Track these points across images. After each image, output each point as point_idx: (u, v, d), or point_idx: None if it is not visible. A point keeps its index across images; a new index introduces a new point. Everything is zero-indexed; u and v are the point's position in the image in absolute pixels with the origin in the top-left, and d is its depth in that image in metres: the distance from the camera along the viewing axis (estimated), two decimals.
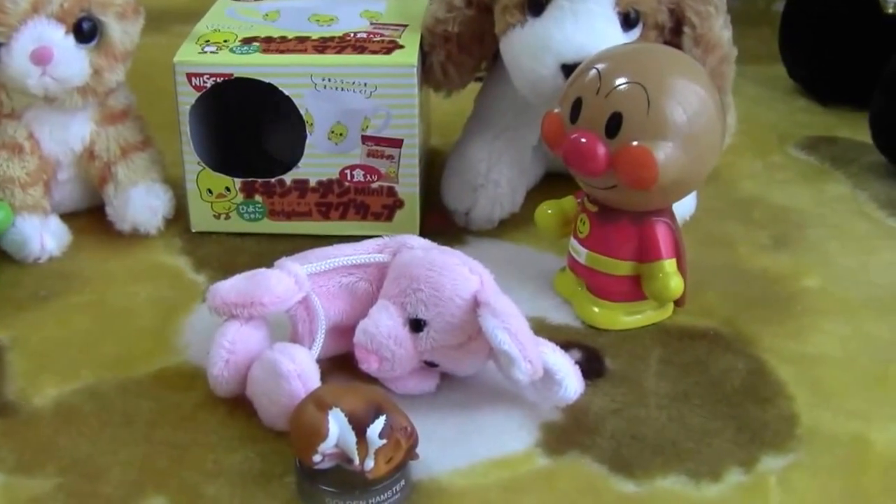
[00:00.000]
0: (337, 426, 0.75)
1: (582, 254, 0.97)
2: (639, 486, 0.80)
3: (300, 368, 0.81)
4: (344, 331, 0.89)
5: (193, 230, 1.11)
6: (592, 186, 0.94)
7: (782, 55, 1.45)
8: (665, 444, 0.83)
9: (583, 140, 0.90)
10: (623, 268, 0.95)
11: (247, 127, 1.17)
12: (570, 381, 0.84)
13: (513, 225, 1.12)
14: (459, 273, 0.84)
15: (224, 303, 0.86)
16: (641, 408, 0.87)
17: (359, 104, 1.04)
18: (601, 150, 0.89)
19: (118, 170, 1.10)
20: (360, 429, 0.75)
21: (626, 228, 0.94)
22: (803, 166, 1.26)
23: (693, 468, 0.81)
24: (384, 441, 0.75)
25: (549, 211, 1.01)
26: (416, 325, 0.84)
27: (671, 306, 0.98)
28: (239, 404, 0.86)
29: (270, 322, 0.88)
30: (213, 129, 1.11)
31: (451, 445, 0.83)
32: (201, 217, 1.10)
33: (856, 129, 1.32)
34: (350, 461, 0.75)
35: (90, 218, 1.12)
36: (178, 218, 1.12)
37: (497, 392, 0.88)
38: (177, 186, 1.11)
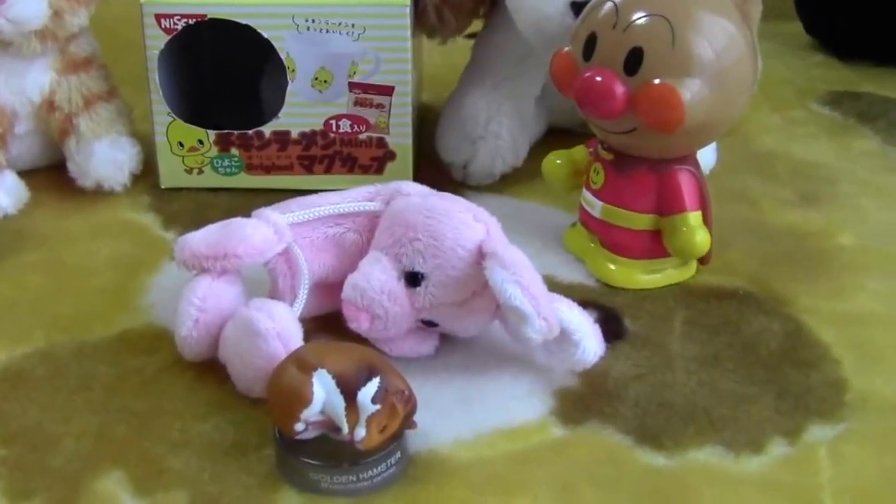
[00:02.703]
0: (323, 390, 0.70)
1: (596, 206, 0.92)
2: (669, 459, 0.74)
3: (280, 327, 0.76)
4: (330, 287, 0.84)
5: (163, 186, 1.07)
6: (608, 131, 0.89)
7: (798, 11, 1.43)
8: (696, 411, 0.78)
9: (598, 78, 0.85)
10: (642, 221, 0.90)
11: (229, 78, 1.13)
12: (590, 341, 0.79)
13: (514, 179, 1.07)
14: (462, 220, 0.79)
15: (193, 255, 0.81)
16: (668, 372, 0.82)
17: (345, 48, 1.00)
18: (619, 88, 0.84)
19: (81, 122, 1.05)
20: (349, 393, 0.70)
21: (646, 178, 0.90)
22: (826, 121, 1.23)
23: (730, 438, 0.76)
24: (378, 406, 0.70)
25: (558, 161, 0.97)
26: (413, 279, 0.79)
27: (694, 265, 0.94)
28: (209, 369, 0.81)
29: (246, 278, 0.84)
30: (185, 80, 1.08)
31: (453, 414, 0.78)
32: (172, 172, 1.06)
33: (880, 84, 1.31)
34: (338, 430, 0.70)
35: (50, 175, 1.08)
36: (148, 174, 1.08)
37: (504, 355, 0.83)
38: (146, 143, 1.08)
